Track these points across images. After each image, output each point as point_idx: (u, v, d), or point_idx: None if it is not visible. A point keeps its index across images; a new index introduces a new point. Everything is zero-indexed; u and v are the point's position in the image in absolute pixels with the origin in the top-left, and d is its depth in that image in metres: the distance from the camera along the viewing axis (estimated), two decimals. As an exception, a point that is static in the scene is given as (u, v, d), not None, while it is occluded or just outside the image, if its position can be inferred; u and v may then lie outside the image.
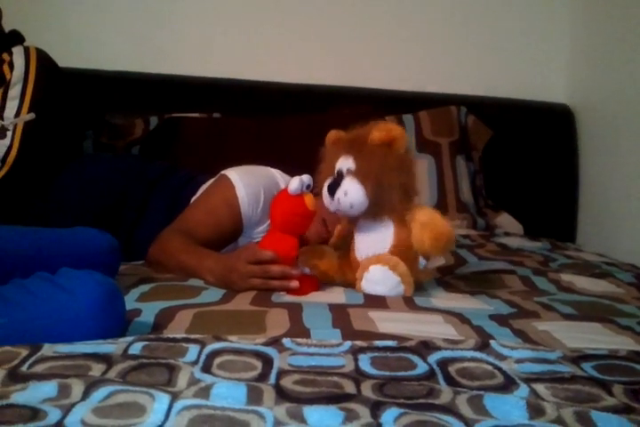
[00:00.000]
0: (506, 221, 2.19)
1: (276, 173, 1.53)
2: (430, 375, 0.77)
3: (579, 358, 0.85)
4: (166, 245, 1.37)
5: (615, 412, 0.69)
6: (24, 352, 0.77)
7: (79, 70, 2.05)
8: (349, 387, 0.72)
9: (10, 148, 1.50)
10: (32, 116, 1.53)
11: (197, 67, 2.27)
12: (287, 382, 0.72)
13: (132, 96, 2.20)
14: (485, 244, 1.85)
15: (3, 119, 1.52)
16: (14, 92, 1.54)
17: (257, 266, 1.20)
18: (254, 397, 0.68)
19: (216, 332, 0.88)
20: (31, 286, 0.89)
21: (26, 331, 0.84)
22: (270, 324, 0.98)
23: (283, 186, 1.45)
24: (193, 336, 0.86)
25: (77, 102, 1.81)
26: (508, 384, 0.75)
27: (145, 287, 1.19)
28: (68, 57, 1.84)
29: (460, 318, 1.06)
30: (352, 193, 1.19)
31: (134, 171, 1.65)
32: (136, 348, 0.80)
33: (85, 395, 0.66)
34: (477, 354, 0.83)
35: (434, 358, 0.82)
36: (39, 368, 0.73)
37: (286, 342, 0.85)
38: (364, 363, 0.80)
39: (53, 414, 0.62)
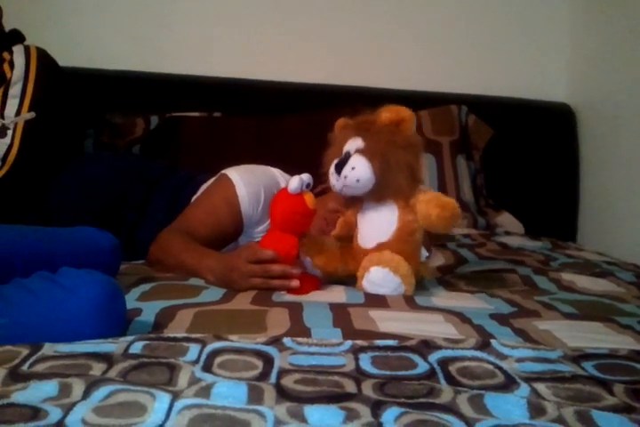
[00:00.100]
0: (506, 220, 2.19)
1: (277, 173, 1.53)
2: (431, 375, 0.77)
3: (579, 357, 0.85)
4: (167, 245, 1.37)
5: (616, 411, 0.69)
6: (25, 352, 0.77)
7: (79, 69, 2.05)
8: (350, 386, 0.72)
9: (10, 146, 1.50)
10: (32, 114, 1.53)
11: (198, 66, 2.27)
12: (288, 382, 0.72)
13: (132, 95, 2.20)
14: (486, 243, 1.85)
15: (3, 118, 1.52)
16: (15, 90, 1.54)
17: (257, 265, 1.20)
18: (255, 396, 0.68)
19: (217, 331, 0.88)
20: (32, 285, 0.89)
21: (26, 330, 0.84)
22: (271, 323, 0.98)
23: (283, 185, 1.45)
24: (193, 336, 0.86)
25: (78, 101, 1.81)
26: (508, 384, 0.75)
27: (145, 287, 1.19)
28: (68, 56, 1.84)
29: (461, 317, 1.06)
30: (359, 168, 1.19)
31: (134, 170, 1.65)
32: (137, 347, 0.80)
33: (86, 394, 0.66)
34: (478, 353, 0.83)
35: (434, 357, 0.82)
36: (40, 368, 0.73)
37: (287, 341, 0.85)
38: (365, 362, 0.80)
39: (54, 414, 0.62)
